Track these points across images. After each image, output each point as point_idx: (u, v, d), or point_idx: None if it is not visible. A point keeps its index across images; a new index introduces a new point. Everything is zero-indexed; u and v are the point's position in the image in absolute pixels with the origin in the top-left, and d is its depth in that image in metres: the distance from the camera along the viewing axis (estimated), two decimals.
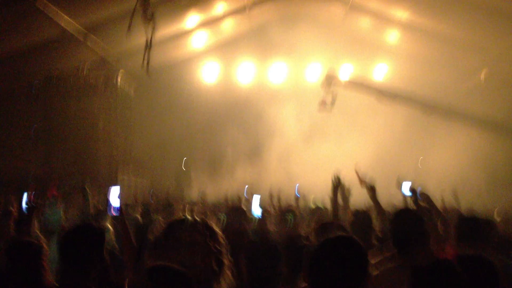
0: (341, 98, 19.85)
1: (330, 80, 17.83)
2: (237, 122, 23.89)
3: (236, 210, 6.48)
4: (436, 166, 19.74)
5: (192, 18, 20.74)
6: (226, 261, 3.36)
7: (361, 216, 5.95)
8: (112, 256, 4.72)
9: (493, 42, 19.74)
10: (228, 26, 23.19)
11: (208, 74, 24.79)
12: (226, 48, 24.36)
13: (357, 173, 6.32)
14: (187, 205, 12.20)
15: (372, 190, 6.00)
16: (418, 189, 6.60)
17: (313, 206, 10.69)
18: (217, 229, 3.48)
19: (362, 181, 6.12)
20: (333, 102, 18.06)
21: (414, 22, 20.73)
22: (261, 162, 23.38)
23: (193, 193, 20.09)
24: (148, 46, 10.12)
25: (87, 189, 8.75)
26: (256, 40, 24.05)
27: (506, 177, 18.96)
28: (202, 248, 3.23)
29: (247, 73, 24.70)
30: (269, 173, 22.27)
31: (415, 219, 4.68)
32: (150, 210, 10.46)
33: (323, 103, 18.10)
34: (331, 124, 22.04)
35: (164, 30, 19.13)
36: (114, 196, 5.14)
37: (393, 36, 22.99)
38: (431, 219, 5.41)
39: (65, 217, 8.32)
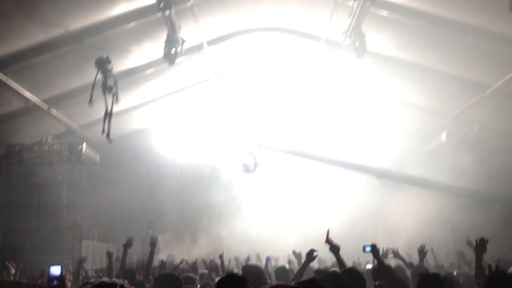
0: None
1: (254, 145, 18.25)
2: (205, 187, 24.18)
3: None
4: (402, 226, 20.24)
5: (156, 88, 21.35)
6: None
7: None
8: None
9: (448, 106, 20.85)
10: (194, 94, 23.83)
11: (172, 141, 25.15)
12: (190, 114, 25.04)
13: (327, 235, 6.69)
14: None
15: (335, 249, 6.29)
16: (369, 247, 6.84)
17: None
18: None
19: (328, 240, 6.46)
20: (256, 165, 18.43)
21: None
22: (229, 226, 23.68)
23: (161, 257, 20.04)
24: (108, 115, 10.52)
25: (10, 266, 8.77)
26: (222, 107, 24.94)
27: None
28: None
29: (212, 138, 24.94)
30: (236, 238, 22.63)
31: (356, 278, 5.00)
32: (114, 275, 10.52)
33: (246, 166, 18.46)
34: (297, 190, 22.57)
35: (130, 100, 19.81)
36: (56, 270, 5.22)
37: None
38: (392, 275, 5.56)
39: None
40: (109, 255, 9.45)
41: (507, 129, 19.85)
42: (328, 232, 6.59)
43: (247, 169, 18.56)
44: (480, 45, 15.54)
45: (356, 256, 15.12)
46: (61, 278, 5.10)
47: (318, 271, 5.52)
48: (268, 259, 11.98)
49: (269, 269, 11.10)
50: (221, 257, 10.73)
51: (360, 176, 19.41)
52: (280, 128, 24.44)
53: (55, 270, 5.09)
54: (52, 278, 5.08)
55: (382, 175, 18.28)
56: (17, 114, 18.08)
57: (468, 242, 8.95)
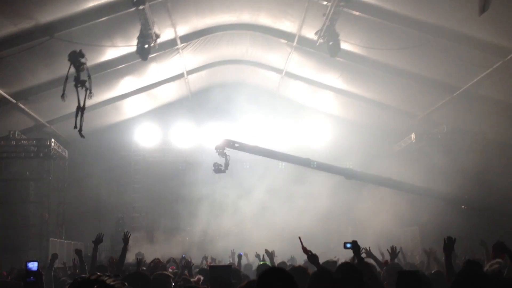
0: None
1: (224, 145, 18.31)
2: (176, 183, 24.04)
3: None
4: (371, 225, 20.49)
5: (128, 84, 21.15)
6: None
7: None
8: None
9: (418, 107, 21.14)
10: (166, 91, 23.69)
11: (145, 137, 24.97)
12: (164, 112, 24.92)
13: (301, 243, 6.72)
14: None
15: (314, 258, 6.27)
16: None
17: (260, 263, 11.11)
18: None
19: (305, 250, 6.44)
20: (227, 165, 18.52)
21: (344, 88, 22.04)
22: (200, 225, 23.62)
23: (130, 256, 19.88)
24: (81, 110, 10.33)
25: None
26: (194, 105, 24.87)
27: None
28: None
29: (184, 136, 24.97)
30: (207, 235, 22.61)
31: (354, 272, 4.86)
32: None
33: (217, 166, 18.54)
34: (274, 189, 22.64)
35: (101, 95, 19.54)
36: (33, 266, 5.13)
37: (325, 101, 24.21)
38: (372, 272, 5.62)
39: None
40: (78, 252, 9.28)
41: (475, 130, 20.27)
42: (300, 240, 6.57)
43: (218, 169, 18.53)
44: (450, 47, 15.80)
45: (328, 254, 15.24)
46: (38, 273, 5.02)
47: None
48: (240, 256, 12.03)
49: (241, 266, 11.24)
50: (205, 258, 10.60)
51: (330, 175, 19.58)
52: (250, 127, 24.59)
53: (32, 266, 5.01)
54: (29, 273, 4.99)
55: (350, 176, 18.49)
56: None
57: (482, 243, 9.24)
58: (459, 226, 16.20)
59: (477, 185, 17.67)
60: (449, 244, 5.97)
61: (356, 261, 5.99)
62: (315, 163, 18.46)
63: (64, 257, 19.88)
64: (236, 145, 18.47)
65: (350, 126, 24.46)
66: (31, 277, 5.08)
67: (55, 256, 9.60)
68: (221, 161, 18.49)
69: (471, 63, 16.15)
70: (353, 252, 5.93)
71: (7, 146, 19.99)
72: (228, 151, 18.47)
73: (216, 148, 18.34)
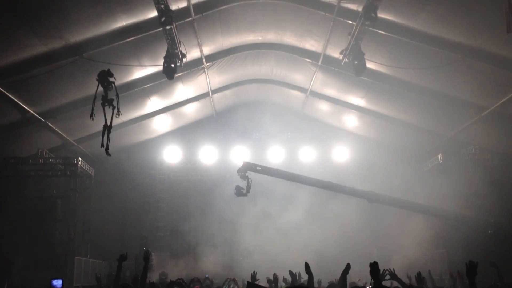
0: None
1: (246, 168, 18.29)
2: (201, 203, 24.09)
3: None
4: (397, 247, 20.23)
5: (154, 103, 21.36)
6: None
7: None
8: None
9: (445, 127, 20.84)
10: (191, 110, 23.88)
11: (170, 156, 25.09)
12: (189, 130, 25.09)
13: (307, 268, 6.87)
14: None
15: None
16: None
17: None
18: None
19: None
20: (248, 188, 18.48)
21: (369, 107, 21.89)
22: (223, 245, 23.58)
23: (154, 275, 19.92)
24: (108, 129, 10.44)
25: None
26: (219, 124, 25.01)
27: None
28: None
29: (209, 155, 25.02)
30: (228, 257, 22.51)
31: None
32: None
33: (239, 189, 18.50)
34: (294, 213, 22.54)
35: (127, 114, 19.77)
36: (57, 283, 5.17)
37: (350, 120, 24.11)
38: None
39: None
40: (97, 278, 9.54)
41: (503, 151, 19.89)
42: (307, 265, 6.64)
43: (239, 193, 18.52)
44: (478, 66, 15.57)
45: (352, 276, 15.01)
46: None
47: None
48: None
49: None
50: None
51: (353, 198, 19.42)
52: (273, 150, 24.65)
53: (57, 284, 5.06)
54: None
55: (372, 199, 18.24)
56: (13, 126, 17.98)
57: (492, 265, 9.03)
58: (487, 250, 15.89)
59: (505, 209, 17.31)
60: (471, 268, 5.86)
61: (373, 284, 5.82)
62: (336, 186, 18.32)
63: (89, 275, 20.00)
64: (258, 168, 18.47)
65: (375, 146, 24.29)
66: None
67: (123, 257, 8.89)
68: (243, 184, 18.46)
69: (499, 82, 15.91)
70: (371, 274, 5.78)
71: (35, 165, 20.27)
72: (250, 174, 18.44)
73: (238, 171, 18.36)
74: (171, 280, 9.82)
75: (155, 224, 25.04)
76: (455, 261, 17.19)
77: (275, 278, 10.07)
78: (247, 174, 18.33)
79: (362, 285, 11.03)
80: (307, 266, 7.44)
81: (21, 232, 19.57)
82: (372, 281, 5.80)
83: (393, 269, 8.44)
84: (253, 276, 9.84)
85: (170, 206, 25.25)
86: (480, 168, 19.91)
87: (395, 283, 8.57)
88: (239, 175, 18.38)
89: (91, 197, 22.51)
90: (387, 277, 8.08)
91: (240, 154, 24.32)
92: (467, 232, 17.53)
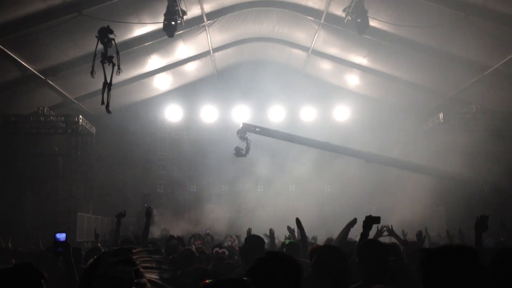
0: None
1: (245, 129, 18.33)
2: (201, 161, 24.20)
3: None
4: (397, 204, 20.43)
5: (155, 61, 21.19)
6: None
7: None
8: None
9: (447, 86, 20.76)
10: (192, 68, 23.70)
11: (171, 114, 25.15)
12: (190, 89, 24.99)
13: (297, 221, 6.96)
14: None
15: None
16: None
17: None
18: None
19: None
20: (247, 149, 18.56)
21: (371, 66, 21.72)
22: (223, 202, 23.79)
23: (156, 231, 20.19)
24: (108, 86, 10.38)
25: None
26: (220, 82, 24.88)
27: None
28: None
29: (211, 114, 25.11)
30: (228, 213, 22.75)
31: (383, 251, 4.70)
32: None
33: (238, 150, 18.60)
34: (296, 170, 22.65)
35: (128, 72, 19.64)
36: (60, 236, 5.21)
37: (352, 79, 23.97)
38: (397, 250, 5.53)
39: None
40: (96, 235, 9.95)
41: (504, 110, 19.83)
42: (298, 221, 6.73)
43: (239, 153, 18.63)
44: (481, 24, 15.39)
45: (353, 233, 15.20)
46: (66, 244, 5.11)
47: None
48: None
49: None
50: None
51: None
52: (274, 110, 24.63)
53: (60, 237, 5.11)
54: (58, 244, 5.08)
55: (370, 159, 18.34)
56: (14, 84, 17.93)
57: (502, 224, 9.14)
58: (486, 208, 16.02)
59: (506, 168, 17.37)
60: (482, 221, 5.80)
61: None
62: (334, 147, 18.41)
63: (92, 231, 20.25)
64: (257, 129, 18.51)
65: (377, 105, 24.24)
66: (59, 248, 5.16)
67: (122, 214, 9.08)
68: (243, 145, 18.54)
69: (503, 41, 15.75)
70: (363, 227, 5.71)
71: (36, 122, 20.28)
72: (249, 135, 18.49)
73: (238, 133, 18.41)
74: (171, 235, 10.01)
75: (157, 181, 25.28)
76: (454, 218, 17.42)
77: (272, 233, 10.25)
78: (246, 136, 18.40)
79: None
80: (298, 221, 7.54)
81: (23, 189, 19.71)
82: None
83: (391, 225, 8.55)
84: (249, 233, 10.04)
85: (171, 164, 25.39)
86: (482, 127, 19.90)
87: (393, 239, 8.68)
88: (238, 136, 18.44)
89: (92, 155, 22.61)
90: (385, 233, 8.19)
91: (241, 113, 24.40)
92: (466, 190, 17.62)
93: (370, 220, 5.61)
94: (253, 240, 6.03)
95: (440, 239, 15.15)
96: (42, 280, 3.47)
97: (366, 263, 4.53)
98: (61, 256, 5.45)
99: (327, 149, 18.61)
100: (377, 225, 6.37)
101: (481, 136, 18.58)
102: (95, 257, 2.58)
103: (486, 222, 5.77)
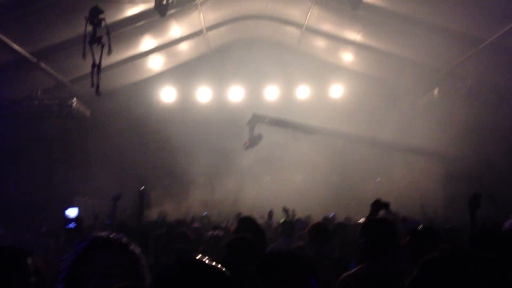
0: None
1: (255, 120, 18.30)
2: (197, 142, 24.14)
3: None
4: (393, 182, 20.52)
5: (147, 42, 20.98)
6: None
7: None
8: None
9: (442, 61, 20.59)
10: (185, 48, 23.48)
11: (166, 96, 25.04)
12: (184, 70, 24.81)
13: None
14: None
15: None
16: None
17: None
18: None
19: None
20: (258, 139, 18.49)
21: (366, 43, 21.54)
22: (221, 184, 23.79)
23: (153, 213, 20.20)
24: (97, 68, 10.28)
25: None
26: (214, 62, 24.70)
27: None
28: None
29: (205, 94, 25.04)
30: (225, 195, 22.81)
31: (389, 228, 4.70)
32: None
33: (248, 141, 18.56)
34: (285, 153, 22.67)
35: (120, 53, 19.44)
36: (72, 212, 5.12)
37: (346, 56, 23.79)
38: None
39: None
40: (95, 216, 9.81)
41: (501, 85, 19.71)
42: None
43: (253, 143, 18.64)
44: None
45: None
46: (78, 219, 4.98)
47: None
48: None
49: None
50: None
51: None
52: (269, 89, 24.57)
53: (72, 212, 5.00)
54: (69, 220, 4.91)
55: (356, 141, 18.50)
56: (5, 68, 17.64)
57: (489, 198, 9.16)
58: (481, 185, 16.05)
59: (502, 143, 17.35)
60: (475, 199, 5.86)
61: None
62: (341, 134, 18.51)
63: (90, 215, 20.22)
64: (266, 120, 18.56)
65: (371, 82, 24.11)
66: (71, 223, 4.92)
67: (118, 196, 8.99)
68: (254, 135, 18.57)
69: (497, 13, 15.58)
70: (371, 210, 5.74)
71: (29, 106, 20.12)
72: (257, 126, 18.53)
73: (248, 124, 18.42)
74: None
75: (153, 164, 25.23)
76: (450, 195, 17.51)
77: (270, 215, 10.30)
78: (255, 126, 18.41)
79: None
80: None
81: (19, 174, 19.64)
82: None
83: (389, 202, 8.57)
84: (239, 216, 10.14)
85: (167, 146, 25.29)
86: (477, 102, 19.81)
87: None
88: (248, 127, 18.44)
89: (88, 138, 22.51)
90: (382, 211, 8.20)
91: (235, 93, 24.49)
92: (461, 167, 17.65)
93: (379, 205, 5.63)
94: (244, 221, 6.09)
95: (436, 214, 15.25)
96: (29, 258, 3.24)
97: (373, 243, 4.49)
98: (73, 232, 5.23)
99: (324, 133, 18.69)
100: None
101: (476, 112, 18.54)
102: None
103: (479, 200, 5.83)
